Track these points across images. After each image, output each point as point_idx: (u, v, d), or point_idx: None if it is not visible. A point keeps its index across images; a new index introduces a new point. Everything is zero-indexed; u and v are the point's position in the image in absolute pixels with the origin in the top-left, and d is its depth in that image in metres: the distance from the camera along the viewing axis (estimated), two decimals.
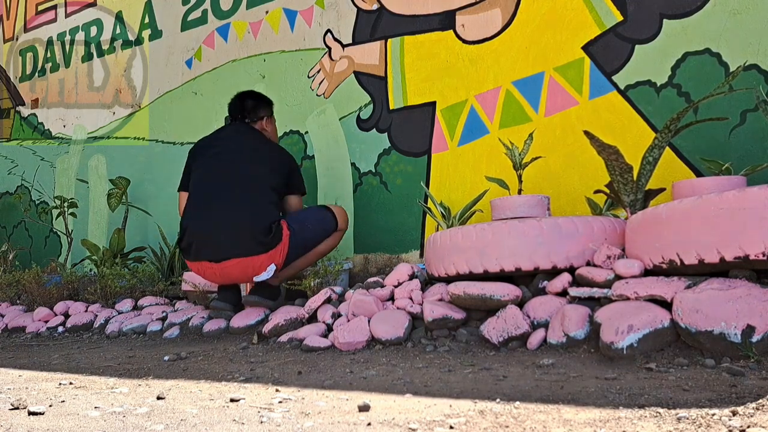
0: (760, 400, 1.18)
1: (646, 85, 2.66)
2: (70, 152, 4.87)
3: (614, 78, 2.72)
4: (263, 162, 2.90)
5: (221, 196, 2.79)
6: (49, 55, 5.09)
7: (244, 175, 2.83)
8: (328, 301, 2.49)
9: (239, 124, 3.06)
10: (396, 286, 2.41)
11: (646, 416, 1.14)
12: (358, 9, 3.46)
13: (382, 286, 2.45)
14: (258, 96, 3.17)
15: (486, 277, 2.16)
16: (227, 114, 3.13)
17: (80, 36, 4.87)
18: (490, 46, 3.05)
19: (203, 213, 2.78)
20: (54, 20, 5.08)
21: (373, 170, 3.37)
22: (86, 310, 3.42)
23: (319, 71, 3.59)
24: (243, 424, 1.25)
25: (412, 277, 2.46)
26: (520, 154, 2.60)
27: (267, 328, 2.47)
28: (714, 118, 2.32)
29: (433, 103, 3.20)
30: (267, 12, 3.82)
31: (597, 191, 2.46)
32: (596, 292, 1.89)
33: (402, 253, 3.23)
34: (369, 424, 1.21)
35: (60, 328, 3.31)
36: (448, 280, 2.32)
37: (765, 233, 1.55)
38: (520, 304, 2.04)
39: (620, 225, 2.15)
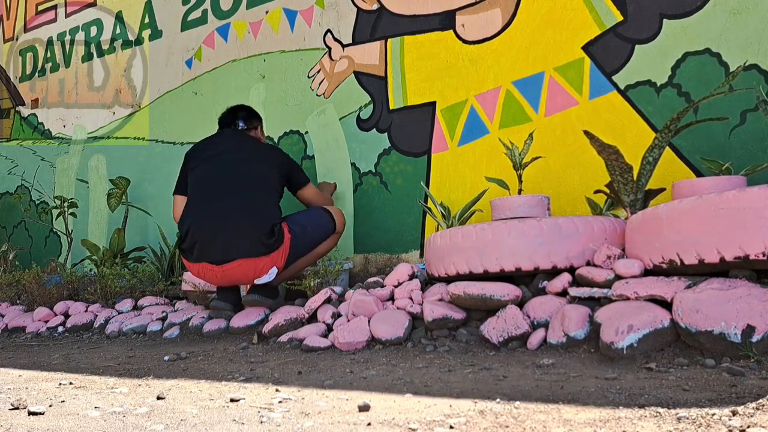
0: (760, 400, 1.18)
1: (646, 85, 2.66)
2: (70, 152, 4.87)
3: (614, 78, 2.72)
4: (264, 162, 2.91)
5: (223, 197, 2.78)
6: (49, 55, 5.10)
7: (246, 176, 2.83)
8: (328, 301, 2.49)
9: (235, 129, 3.08)
10: (396, 286, 2.41)
11: (646, 416, 1.14)
12: (358, 9, 3.46)
13: (382, 286, 2.45)
14: (251, 108, 3.25)
15: (486, 277, 2.16)
16: (219, 124, 3.16)
17: (80, 36, 4.87)
18: (490, 46, 3.05)
19: (206, 214, 2.77)
20: (54, 20, 5.08)
21: (373, 170, 3.37)
22: (86, 310, 3.42)
23: (319, 71, 3.59)
24: (243, 424, 1.25)
25: (412, 277, 2.46)
26: (520, 154, 2.60)
27: (267, 328, 2.47)
28: (714, 118, 2.32)
29: (433, 103, 3.20)
30: (267, 12, 3.82)
31: (597, 191, 2.46)
32: (596, 292, 1.89)
33: (402, 253, 3.23)
34: (369, 424, 1.20)
35: (60, 328, 3.31)
36: (448, 280, 2.32)
37: (765, 233, 1.55)
38: (520, 304, 2.04)
39: (620, 225, 2.15)
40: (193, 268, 2.81)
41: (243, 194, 2.77)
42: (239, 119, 3.11)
